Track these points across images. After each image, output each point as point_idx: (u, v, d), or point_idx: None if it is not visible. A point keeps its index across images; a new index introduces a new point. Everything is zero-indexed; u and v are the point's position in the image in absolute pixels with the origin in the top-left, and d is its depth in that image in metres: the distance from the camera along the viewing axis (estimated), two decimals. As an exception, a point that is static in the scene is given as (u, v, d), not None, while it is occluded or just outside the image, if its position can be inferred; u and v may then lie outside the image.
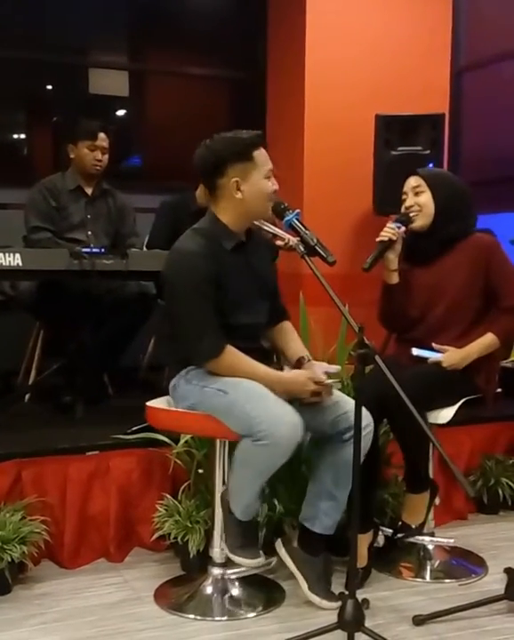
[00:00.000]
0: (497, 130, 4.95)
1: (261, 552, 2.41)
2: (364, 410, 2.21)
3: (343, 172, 4.19)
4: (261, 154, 2.37)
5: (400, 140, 3.99)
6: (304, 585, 2.45)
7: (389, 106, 4.07)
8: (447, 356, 2.63)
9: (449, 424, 2.63)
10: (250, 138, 2.36)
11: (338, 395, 2.45)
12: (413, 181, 2.75)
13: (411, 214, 2.71)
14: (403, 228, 2.69)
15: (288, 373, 2.41)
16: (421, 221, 2.72)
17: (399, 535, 2.70)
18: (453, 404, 2.64)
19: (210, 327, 2.32)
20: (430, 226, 2.72)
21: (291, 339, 2.59)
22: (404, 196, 2.76)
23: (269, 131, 4.68)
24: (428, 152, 3.96)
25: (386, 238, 2.67)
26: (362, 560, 2.60)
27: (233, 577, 2.50)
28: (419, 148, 3.97)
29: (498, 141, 4.96)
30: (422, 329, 2.73)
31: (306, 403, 2.35)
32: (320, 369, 2.41)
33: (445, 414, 2.62)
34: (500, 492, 3.26)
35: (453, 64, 4.56)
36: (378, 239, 2.68)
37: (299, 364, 2.47)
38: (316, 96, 4.23)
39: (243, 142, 2.35)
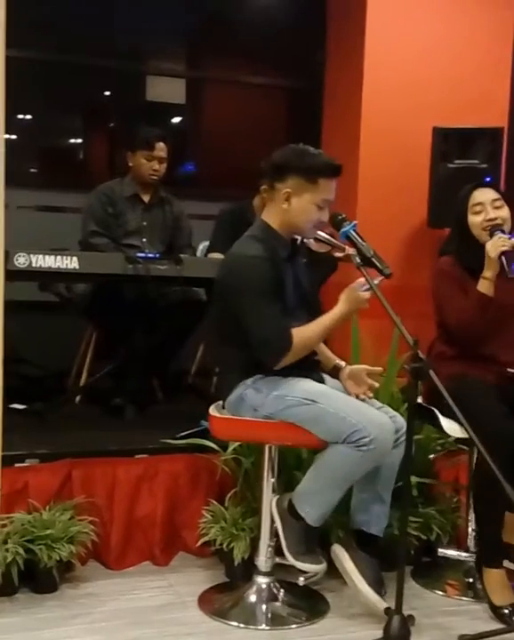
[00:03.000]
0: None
1: (322, 557, 2.43)
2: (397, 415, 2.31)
3: (398, 184, 4.16)
4: (326, 184, 2.39)
5: (457, 153, 3.95)
6: (363, 582, 2.40)
7: (447, 117, 4.04)
8: None
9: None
10: (325, 165, 2.39)
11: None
12: (491, 194, 2.69)
13: (502, 226, 2.66)
14: (513, 239, 2.64)
15: (340, 299, 2.40)
16: None
17: None
18: None
19: (279, 324, 2.35)
20: None
21: (322, 350, 2.62)
22: (479, 208, 2.69)
23: (324, 140, 4.68)
24: (485, 166, 3.91)
25: (508, 248, 2.60)
26: (507, 597, 2.49)
27: (303, 582, 2.48)
28: (476, 161, 3.93)
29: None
30: (495, 345, 2.67)
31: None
32: (362, 370, 2.47)
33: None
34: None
35: (514, 77, 4.50)
36: (501, 249, 2.59)
37: (335, 370, 2.54)
38: (373, 106, 4.21)
39: (317, 166, 2.38)
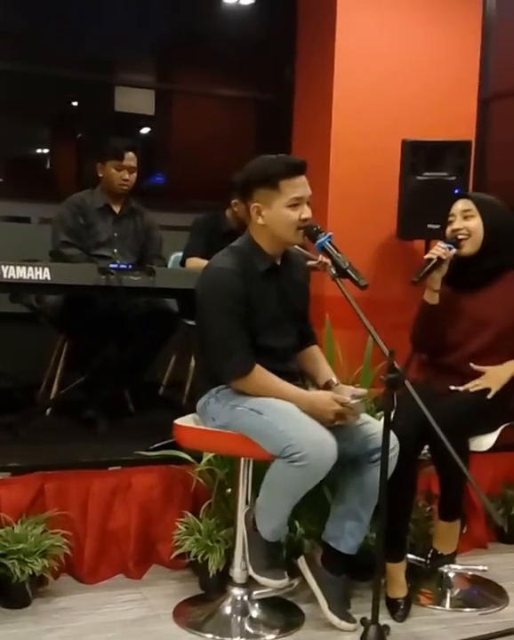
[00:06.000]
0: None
1: (285, 573, 2.41)
2: (391, 432, 2.22)
3: (368, 197, 4.21)
4: (289, 183, 2.34)
5: (426, 166, 4.00)
6: (324, 605, 2.45)
7: (416, 132, 4.10)
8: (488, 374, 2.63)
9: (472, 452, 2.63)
10: (280, 166, 2.35)
11: (366, 416, 2.46)
12: (462, 205, 2.72)
13: (459, 237, 2.68)
14: (453, 250, 2.65)
15: (314, 392, 2.43)
16: (470, 248, 2.68)
17: (433, 564, 2.70)
18: (493, 430, 2.62)
19: (240, 345, 2.34)
20: (478, 253, 2.69)
21: (319, 362, 2.60)
22: (451, 219, 2.73)
23: (294, 153, 4.71)
24: (454, 178, 3.98)
25: (435, 257, 2.62)
26: (401, 589, 2.59)
27: (255, 598, 2.49)
28: (445, 173, 3.99)
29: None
30: (459, 355, 2.70)
31: (330, 425, 2.35)
32: (348, 392, 2.42)
33: (488, 441, 2.60)
34: (521, 521, 3.24)
35: (481, 92, 4.58)
36: (427, 256, 2.65)
37: (327, 387, 2.49)
38: (343, 120, 4.27)
39: (270, 170, 2.35)
